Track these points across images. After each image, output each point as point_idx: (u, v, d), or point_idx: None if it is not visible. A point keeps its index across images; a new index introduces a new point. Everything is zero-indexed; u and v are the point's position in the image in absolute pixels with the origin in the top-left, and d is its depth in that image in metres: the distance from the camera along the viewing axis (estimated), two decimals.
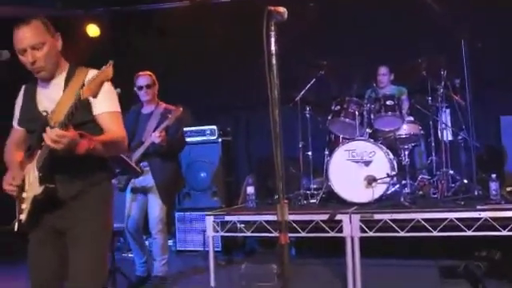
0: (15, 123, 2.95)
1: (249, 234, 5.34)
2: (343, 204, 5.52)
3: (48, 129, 2.45)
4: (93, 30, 8.00)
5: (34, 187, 2.67)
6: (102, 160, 2.79)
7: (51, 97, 2.74)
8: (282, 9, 2.47)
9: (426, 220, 4.75)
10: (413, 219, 4.78)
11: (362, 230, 4.89)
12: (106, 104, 2.73)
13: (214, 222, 5.38)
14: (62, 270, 2.76)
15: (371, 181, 5.42)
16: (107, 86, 2.60)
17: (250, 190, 5.87)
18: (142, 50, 7.79)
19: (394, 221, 4.84)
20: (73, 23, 7.87)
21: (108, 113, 2.75)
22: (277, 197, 5.83)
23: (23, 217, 2.73)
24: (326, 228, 5.02)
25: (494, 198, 5.01)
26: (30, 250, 2.82)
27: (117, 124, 2.75)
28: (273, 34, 2.38)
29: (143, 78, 5.26)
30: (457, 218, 4.66)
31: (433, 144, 6.14)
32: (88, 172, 2.73)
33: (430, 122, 6.11)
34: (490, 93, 6.80)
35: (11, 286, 5.52)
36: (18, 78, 2.96)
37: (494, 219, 4.59)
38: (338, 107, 6.00)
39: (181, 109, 5.03)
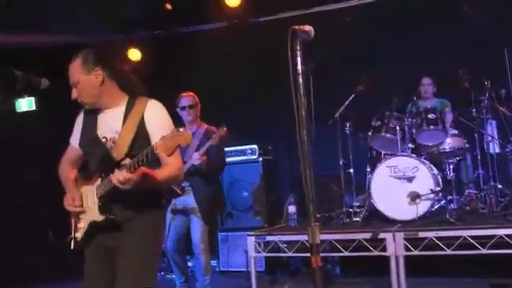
0: (73, 141, 3.09)
1: (290, 254, 5.27)
2: (386, 222, 5.39)
3: (117, 171, 2.60)
4: (134, 54, 8.17)
5: (93, 212, 2.82)
6: (155, 192, 2.88)
7: (110, 126, 2.88)
8: (307, 27, 2.43)
9: (473, 237, 4.58)
10: (459, 236, 4.63)
11: (407, 249, 4.76)
12: (162, 134, 2.75)
13: (255, 242, 5.35)
14: (112, 286, 2.86)
15: (415, 197, 5.28)
16: (165, 116, 2.83)
17: (292, 209, 5.82)
18: (182, 72, 7.88)
19: (439, 238, 4.69)
20: (115, 48, 8.06)
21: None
22: (318, 216, 5.77)
23: (79, 235, 2.90)
24: (370, 247, 4.91)
25: None
26: (85, 266, 2.96)
27: (175, 156, 2.74)
28: (299, 53, 2.33)
29: (186, 99, 5.31)
30: (506, 235, 4.47)
31: (479, 157, 5.94)
32: (143, 200, 2.80)
33: (476, 135, 5.92)
34: None
35: None
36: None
37: None
38: (379, 123, 5.89)
39: (225, 128, 5.05)
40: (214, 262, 6.76)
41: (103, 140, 2.85)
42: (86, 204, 2.88)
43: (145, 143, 2.73)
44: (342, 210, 5.92)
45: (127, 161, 2.65)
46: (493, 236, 4.52)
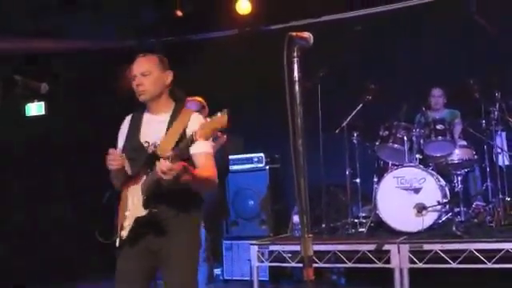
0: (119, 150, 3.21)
1: (293, 264, 5.21)
2: (392, 233, 5.32)
3: (162, 160, 2.71)
4: None
5: (137, 208, 2.94)
6: (195, 194, 3.06)
7: (155, 131, 3.05)
8: (306, 34, 2.38)
9: (479, 251, 4.51)
10: (465, 250, 4.55)
11: (411, 261, 4.70)
12: (203, 145, 2.95)
13: (258, 251, 5.31)
14: (144, 286, 3.03)
15: (421, 209, 5.21)
16: None
17: (297, 218, 5.76)
18: (192, 78, 7.88)
19: (445, 251, 4.63)
20: (126, 54, 8.10)
21: (204, 153, 3.02)
22: (324, 225, 5.72)
23: (124, 233, 2.99)
24: (374, 259, 4.85)
25: None
26: (118, 264, 3.05)
27: (211, 164, 3.03)
28: (296, 60, 2.29)
29: (193, 103, 5.29)
30: None
31: (488, 169, 5.85)
32: (184, 200, 2.97)
33: (485, 146, 5.83)
34: None
35: None
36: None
37: None
38: (386, 132, 5.83)
39: (225, 137, 5.02)
40: (217, 271, 6.71)
41: (145, 144, 3.04)
42: (132, 201, 3.01)
43: (186, 151, 2.87)
44: (348, 220, 5.85)
45: (170, 153, 2.76)
46: (500, 250, 4.44)
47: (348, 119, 6.03)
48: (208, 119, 2.67)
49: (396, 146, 5.76)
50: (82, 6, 7.12)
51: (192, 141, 2.70)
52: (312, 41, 2.41)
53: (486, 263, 4.46)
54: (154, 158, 2.85)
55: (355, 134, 6.09)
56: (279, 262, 5.45)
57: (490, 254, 4.47)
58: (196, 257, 3.12)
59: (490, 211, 5.62)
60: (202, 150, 2.99)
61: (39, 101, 7.50)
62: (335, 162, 6.16)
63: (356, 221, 5.86)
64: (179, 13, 7.65)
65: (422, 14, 7.00)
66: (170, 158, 2.71)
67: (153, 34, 8.35)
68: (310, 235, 2.28)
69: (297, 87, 2.29)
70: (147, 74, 3.02)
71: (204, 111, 5.31)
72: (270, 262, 5.43)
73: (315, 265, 5.05)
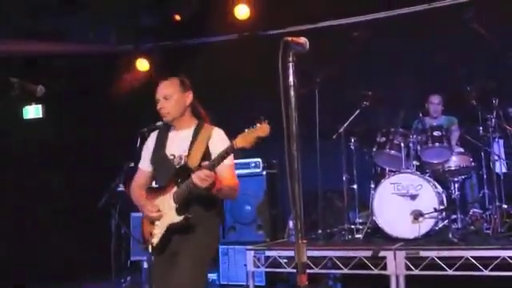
0: (143, 166, 3.52)
1: (289, 269, 5.19)
2: (388, 240, 5.31)
3: (198, 171, 2.96)
4: (142, 65, 8.19)
5: (170, 216, 3.18)
6: (217, 198, 3.28)
7: (178, 144, 3.32)
8: (302, 39, 2.38)
9: (475, 258, 4.50)
10: (462, 257, 4.54)
11: (408, 268, 4.68)
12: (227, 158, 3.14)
13: (254, 256, 5.30)
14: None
15: (418, 215, 5.20)
16: (227, 143, 3.14)
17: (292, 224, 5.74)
18: (190, 83, 7.88)
19: (441, 258, 4.61)
20: (124, 58, 8.12)
21: (228, 165, 3.23)
22: (320, 231, 5.71)
23: (155, 240, 3.25)
24: (370, 265, 4.84)
25: None
26: (155, 270, 3.39)
27: (233, 175, 3.31)
28: (291, 64, 2.28)
29: None
30: (510, 257, 4.38)
31: (485, 176, 5.84)
32: (207, 206, 3.23)
33: (482, 154, 5.82)
34: None
35: None
36: None
37: None
38: (384, 139, 5.83)
39: None
40: (214, 276, 6.68)
41: (171, 157, 3.29)
42: (163, 211, 3.23)
43: (221, 160, 3.07)
44: (345, 226, 5.84)
45: (205, 163, 3.03)
46: (496, 257, 4.43)
47: (345, 125, 6.03)
48: (247, 130, 2.91)
49: (393, 152, 5.75)
50: (81, 8, 7.11)
51: (232, 149, 2.94)
52: (308, 46, 2.40)
53: (482, 270, 4.45)
54: (185, 169, 3.14)
55: (352, 140, 6.10)
56: (275, 267, 5.43)
57: (486, 262, 4.46)
58: (205, 259, 3.29)
59: (486, 218, 5.61)
60: (225, 163, 3.14)
61: (37, 103, 7.49)
62: (332, 167, 6.16)
63: (353, 227, 5.85)
64: (178, 17, 7.65)
65: (420, 20, 7.00)
66: (207, 166, 2.97)
67: (151, 37, 8.36)
68: (304, 241, 2.27)
69: (292, 92, 2.29)
70: (168, 97, 3.27)
71: None
72: (266, 267, 5.42)
73: (311, 271, 5.09)
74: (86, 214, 6.23)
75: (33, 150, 7.17)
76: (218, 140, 3.28)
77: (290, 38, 2.31)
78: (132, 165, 5.15)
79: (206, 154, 3.20)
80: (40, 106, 7.50)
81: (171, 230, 3.20)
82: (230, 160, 3.22)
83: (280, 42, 2.30)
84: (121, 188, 5.36)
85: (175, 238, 3.23)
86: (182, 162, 3.24)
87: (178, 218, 3.15)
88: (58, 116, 7.42)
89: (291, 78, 2.29)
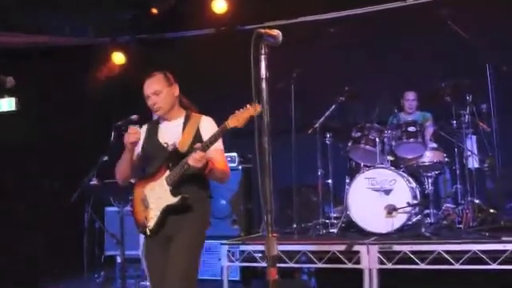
0: None
1: (264, 264, 5.19)
2: (363, 234, 5.34)
3: (194, 152, 3.12)
4: (119, 58, 8.10)
5: (165, 199, 3.31)
6: (207, 182, 3.46)
7: (172, 133, 3.46)
8: (275, 31, 2.36)
9: (447, 252, 4.55)
10: (433, 251, 4.59)
11: (381, 262, 4.72)
12: (217, 142, 3.31)
13: (228, 251, 5.29)
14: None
15: (391, 210, 5.24)
16: (216, 128, 3.31)
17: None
18: None
19: (413, 252, 4.65)
20: (100, 51, 8.03)
21: (217, 150, 3.38)
22: (295, 225, 5.70)
23: (151, 224, 3.36)
24: (344, 259, 4.86)
25: None
26: (146, 258, 3.54)
27: (224, 160, 3.45)
28: (263, 57, 2.27)
29: None
30: (480, 251, 4.44)
31: (458, 172, 5.89)
32: (199, 190, 3.40)
33: (455, 149, 5.88)
34: None
35: None
36: None
37: None
38: (359, 134, 5.86)
39: None
40: None
41: (164, 145, 3.44)
42: (155, 196, 3.37)
43: (214, 141, 3.25)
44: (319, 220, 5.86)
45: (198, 145, 3.17)
46: (467, 251, 4.48)
47: (321, 120, 6.05)
48: (238, 111, 3.11)
49: (368, 147, 5.78)
50: (57, 2, 7.01)
51: (225, 129, 3.12)
52: (281, 38, 2.39)
53: (453, 264, 4.49)
54: (176, 154, 3.30)
55: (328, 135, 6.12)
56: (250, 262, 5.43)
57: (457, 256, 4.50)
58: (200, 244, 3.44)
59: (459, 213, 5.67)
60: (216, 147, 3.33)
61: (10, 96, 7.35)
62: (307, 162, 6.17)
63: (327, 221, 5.88)
64: (155, 10, 7.59)
65: (395, 17, 7.05)
66: (201, 147, 3.13)
67: (128, 31, 8.27)
68: (275, 234, 2.26)
69: (264, 85, 2.27)
70: (158, 92, 3.43)
71: None
72: (241, 261, 5.41)
73: (286, 265, 5.09)
74: (59, 208, 6.16)
75: (4, 144, 7.04)
76: (207, 125, 3.46)
77: (262, 30, 2.29)
78: (106, 159, 5.11)
79: (197, 139, 3.36)
80: (13, 99, 7.37)
81: (168, 211, 3.32)
82: (219, 145, 3.41)
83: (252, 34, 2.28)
84: (94, 182, 5.30)
85: (169, 222, 3.35)
86: (173, 147, 3.39)
87: (174, 200, 3.28)
88: (31, 109, 7.29)
89: (263, 71, 2.28)
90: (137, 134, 3.39)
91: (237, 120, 3.09)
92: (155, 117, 5.14)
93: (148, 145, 3.54)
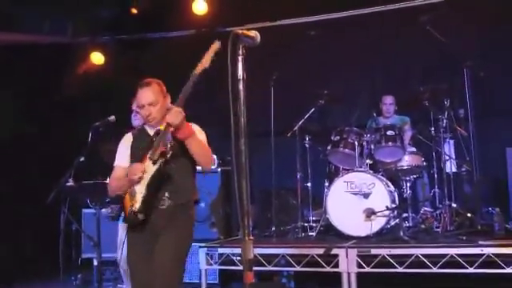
0: (120, 162, 3.56)
1: (241, 267, 5.15)
2: (341, 237, 5.34)
3: (172, 107, 3.24)
4: (97, 58, 8.01)
5: (148, 174, 3.27)
6: (195, 184, 3.52)
7: None
8: (253, 32, 2.34)
9: (425, 255, 4.57)
10: (412, 254, 4.60)
11: (359, 266, 4.72)
12: (196, 128, 3.46)
13: (207, 254, 5.25)
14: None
15: (370, 214, 5.25)
16: (203, 133, 3.47)
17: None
18: (146, 77, 7.75)
19: (392, 256, 4.66)
20: (79, 50, 7.93)
21: (201, 138, 3.43)
22: (274, 229, 5.67)
23: (137, 205, 3.30)
24: (322, 262, 4.85)
25: (498, 233, 4.79)
26: (131, 250, 3.42)
27: (205, 142, 3.46)
28: (240, 58, 2.24)
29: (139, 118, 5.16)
30: (458, 254, 4.47)
31: (436, 176, 5.94)
32: (187, 190, 3.43)
33: (433, 153, 5.92)
34: (495, 124, 6.59)
35: None
36: None
37: (497, 256, 4.38)
38: (338, 137, 5.86)
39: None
40: None
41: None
42: (141, 184, 3.31)
43: (186, 151, 3.33)
44: (298, 223, 5.85)
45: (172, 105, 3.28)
46: (444, 255, 4.50)
47: (300, 123, 6.05)
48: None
49: (347, 150, 5.79)
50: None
51: (195, 76, 3.28)
52: (259, 40, 2.36)
53: (431, 268, 4.51)
54: (158, 133, 3.32)
55: (307, 138, 6.12)
56: (229, 265, 5.38)
57: (435, 259, 4.53)
58: (187, 244, 3.42)
59: (436, 217, 5.71)
60: (200, 138, 3.39)
61: None
62: (286, 165, 6.17)
63: (306, 225, 5.88)
64: (134, 10, 7.52)
65: (375, 21, 7.08)
66: (177, 103, 3.23)
67: (108, 31, 8.19)
68: (251, 238, 2.23)
69: (241, 86, 2.25)
70: (155, 104, 3.42)
71: None
72: (220, 265, 5.37)
73: (264, 268, 5.07)
74: (35, 210, 6.06)
75: None
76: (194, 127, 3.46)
77: (240, 31, 2.27)
78: (82, 159, 5.03)
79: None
80: None
81: (152, 185, 3.29)
82: (203, 137, 3.47)
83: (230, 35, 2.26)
84: (70, 183, 5.21)
85: (157, 218, 3.32)
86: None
87: (154, 168, 3.27)
88: (5, 109, 7.17)
89: (240, 72, 2.25)
90: (142, 171, 3.30)
91: (203, 64, 3.30)
92: (135, 121, 5.11)
93: (139, 149, 3.48)
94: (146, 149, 3.37)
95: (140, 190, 3.33)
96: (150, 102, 3.41)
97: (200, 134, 3.44)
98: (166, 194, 3.35)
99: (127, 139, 3.61)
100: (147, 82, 3.47)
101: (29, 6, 7.01)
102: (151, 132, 3.49)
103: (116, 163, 3.59)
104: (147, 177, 3.30)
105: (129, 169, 3.38)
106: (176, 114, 3.20)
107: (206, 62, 3.28)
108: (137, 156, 3.45)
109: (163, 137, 3.27)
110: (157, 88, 3.48)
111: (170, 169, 3.32)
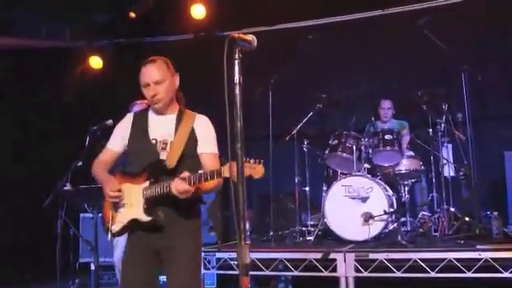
0: (111, 145, 3.24)
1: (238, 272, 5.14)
2: (339, 242, 5.34)
3: (177, 180, 2.82)
4: (96, 62, 8.01)
5: (136, 211, 2.98)
6: (198, 198, 3.09)
7: (162, 129, 3.09)
8: (250, 36, 2.32)
9: (423, 260, 4.56)
10: (410, 259, 4.59)
11: (357, 270, 4.70)
12: (209, 146, 3.09)
13: (205, 258, 5.23)
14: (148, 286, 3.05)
15: (368, 218, 5.24)
16: (212, 129, 3.12)
17: (246, 225, 5.69)
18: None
19: (390, 260, 4.65)
20: (78, 54, 7.93)
21: (210, 154, 3.08)
22: (272, 233, 5.66)
23: (116, 228, 3.06)
24: (320, 267, 4.84)
25: (496, 238, 4.78)
26: (123, 270, 3.13)
27: (216, 165, 3.01)
28: (237, 62, 2.23)
29: (139, 106, 5.16)
30: (456, 259, 4.46)
31: (434, 180, 5.93)
32: (187, 207, 3.00)
33: (432, 158, 5.92)
34: (493, 128, 6.60)
35: None
36: None
37: (495, 260, 4.37)
38: (336, 141, 5.86)
39: None
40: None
41: (153, 141, 3.07)
42: (129, 200, 3.03)
43: (194, 150, 3.04)
44: (296, 228, 5.84)
45: (186, 174, 2.83)
46: (442, 259, 4.49)
47: (298, 127, 6.04)
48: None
49: (345, 155, 5.78)
50: (32, 3, 6.91)
51: (218, 174, 2.77)
52: (255, 43, 2.35)
53: (429, 272, 4.50)
54: (163, 167, 2.96)
55: (305, 142, 6.11)
56: (226, 269, 5.37)
57: (433, 264, 4.51)
58: (198, 258, 3.19)
59: (435, 221, 5.70)
60: (209, 151, 3.08)
61: None
62: (285, 169, 6.16)
63: (304, 229, 5.87)
64: (132, 15, 7.53)
65: (373, 26, 7.08)
66: (187, 180, 2.80)
67: (106, 35, 8.19)
68: (248, 242, 2.21)
69: (237, 90, 2.23)
70: (161, 81, 3.03)
71: None
72: (217, 269, 5.36)
73: (262, 273, 5.05)
74: (33, 214, 6.03)
75: None
76: (203, 125, 3.12)
77: (236, 35, 2.26)
78: (80, 164, 5.02)
79: (192, 139, 3.04)
80: None
81: (135, 225, 3.00)
82: (214, 148, 3.12)
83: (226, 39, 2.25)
84: (68, 187, 5.20)
85: (153, 234, 2.99)
86: (167, 147, 3.04)
87: (145, 218, 2.96)
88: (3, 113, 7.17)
89: (237, 76, 2.24)
90: (116, 195, 3.03)
91: (232, 173, 2.59)
92: (135, 109, 5.04)
93: (135, 139, 3.15)
94: (148, 160, 3.02)
95: (122, 217, 3.05)
96: (156, 79, 3.00)
97: (208, 127, 3.10)
98: (161, 213, 3.01)
99: (127, 120, 3.24)
100: (152, 59, 3.06)
101: (27, 11, 7.02)
102: (155, 119, 3.14)
103: (108, 145, 3.27)
104: (133, 212, 2.99)
105: (106, 181, 3.08)
106: (181, 193, 2.83)
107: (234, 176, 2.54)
108: (134, 145, 3.13)
109: (163, 189, 2.91)
110: (163, 64, 3.07)
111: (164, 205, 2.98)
